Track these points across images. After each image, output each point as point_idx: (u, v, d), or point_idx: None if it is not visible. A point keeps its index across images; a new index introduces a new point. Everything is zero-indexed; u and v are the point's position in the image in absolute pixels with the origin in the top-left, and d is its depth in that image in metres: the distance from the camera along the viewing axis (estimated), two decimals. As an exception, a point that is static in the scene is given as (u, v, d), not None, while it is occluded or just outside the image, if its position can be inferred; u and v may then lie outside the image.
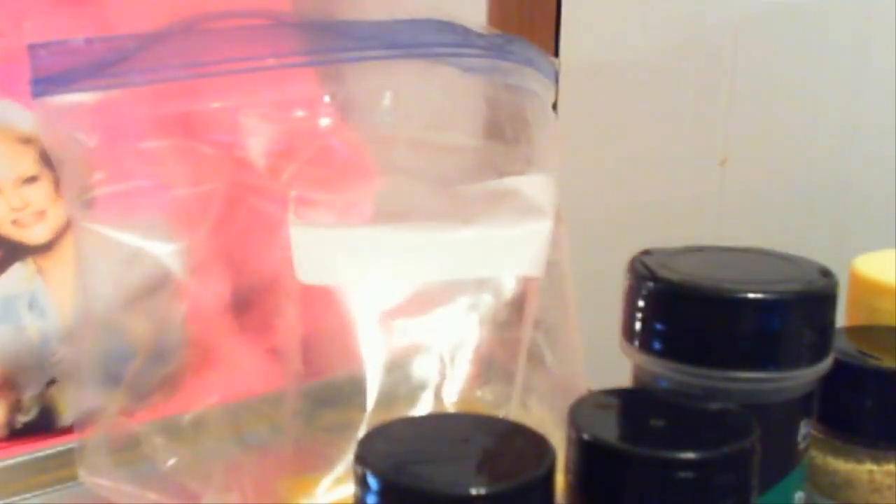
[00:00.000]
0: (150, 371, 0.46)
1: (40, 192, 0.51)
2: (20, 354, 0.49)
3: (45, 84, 0.42)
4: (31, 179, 0.51)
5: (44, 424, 0.50)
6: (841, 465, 0.38)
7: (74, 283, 0.45)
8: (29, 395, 0.50)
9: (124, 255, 0.43)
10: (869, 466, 0.38)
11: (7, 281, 0.49)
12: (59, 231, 0.51)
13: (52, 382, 0.50)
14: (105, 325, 0.44)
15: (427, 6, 0.48)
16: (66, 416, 0.50)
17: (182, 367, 0.48)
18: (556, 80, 0.51)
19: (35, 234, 0.50)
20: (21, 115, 0.50)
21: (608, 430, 0.31)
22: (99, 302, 0.44)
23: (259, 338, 0.49)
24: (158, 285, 0.45)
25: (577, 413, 0.31)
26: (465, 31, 0.48)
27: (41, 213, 0.51)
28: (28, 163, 0.51)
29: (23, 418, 0.50)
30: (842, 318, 0.45)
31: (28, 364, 0.49)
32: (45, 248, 0.50)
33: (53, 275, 0.50)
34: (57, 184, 0.51)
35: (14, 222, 0.50)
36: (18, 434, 0.49)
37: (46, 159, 0.50)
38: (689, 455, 0.30)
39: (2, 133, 0.51)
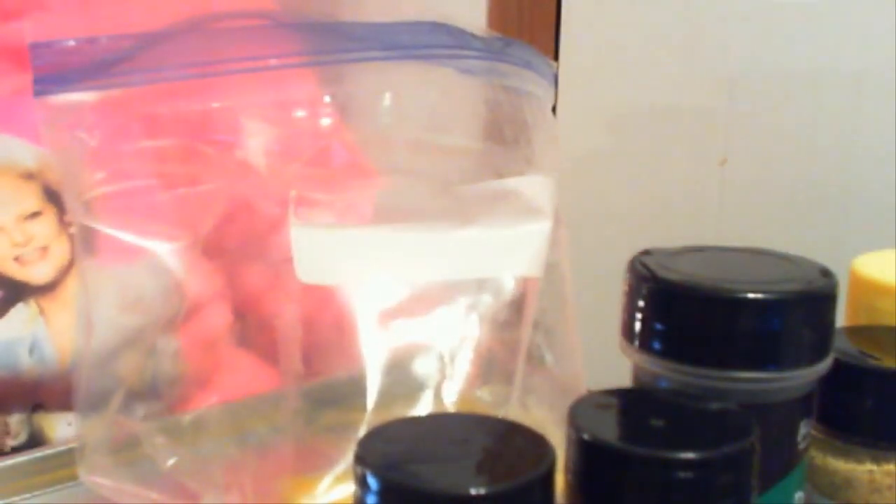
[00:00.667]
0: (151, 371, 0.46)
1: (43, 228, 0.50)
2: (12, 391, 0.48)
3: (46, 83, 0.42)
4: (35, 215, 0.50)
5: (32, 444, 0.49)
6: (841, 465, 0.38)
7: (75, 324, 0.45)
8: (16, 419, 0.49)
9: (122, 283, 0.43)
10: (869, 466, 0.38)
11: (8, 324, 0.49)
12: (62, 270, 0.50)
13: (38, 407, 0.50)
14: (106, 325, 0.44)
15: (426, 8, 0.48)
16: (55, 438, 0.50)
17: (183, 367, 0.48)
18: (555, 83, 0.51)
19: (38, 273, 0.50)
20: (24, 150, 0.50)
21: (608, 430, 0.31)
22: (99, 302, 0.44)
23: (258, 341, 0.49)
24: (159, 286, 0.45)
25: (577, 413, 0.31)
26: (463, 34, 0.48)
27: (44, 250, 0.50)
28: (31, 199, 0.50)
29: (12, 442, 0.50)
30: (842, 318, 0.45)
31: (16, 393, 0.49)
32: (48, 288, 0.50)
33: (55, 317, 0.49)
34: (60, 217, 0.50)
35: (16, 259, 0.50)
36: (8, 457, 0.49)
37: (50, 194, 0.50)
38: (689, 455, 0.30)
39: (4, 170, 0.50)
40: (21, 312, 0.49)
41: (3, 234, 0.50)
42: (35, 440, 0.49)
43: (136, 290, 0.44)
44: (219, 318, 0.49)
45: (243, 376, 0.48)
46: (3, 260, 0.49)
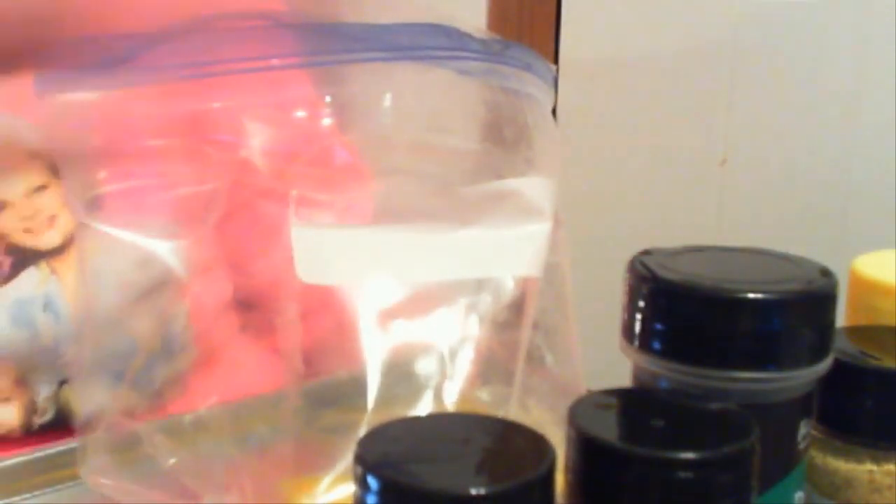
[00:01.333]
0: (155, 370, 0.46)
1: (50, 199, 0.51)
2: (33, 356, 0.49)
3: (49, 82, 0.42)
4: (41, 188, 0.51)
5: (60, 425, 0.50)
6: (841, 466, 0.38)
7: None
8: (43, 395, 0.50)
9: (127, 254, 0.43)
10: (869, 466, 0.38)
11: (21, 284, 0.49)
12: (71, 235, 0.51)
13: (64, 382, 0.50)
14: (107, 324, 0.44)
15: (426, 9, 0.48)
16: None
17: (186, 366, 0.48)
18: (555, 86, 0.51)
19: (47, 240, 0.50)
20: (29, 130, 0.50)
21: (608, 430, 0.31)
22: (101, 300, 0.44)
23: (262, 338, 0.49)
24: (162, 283, 0.45)
25: (577, 413, 0.31)
26: (461, 35, 0.48)
27: (52, 218, 0.51)
28: (37, 174, 0.51)
29: (39, 420, 0.50)
30: (842, 318, 0.45)
31: (41, 365, 0.49)
32: (58, 251, 0.50)
33: (67, 276, 0.50)
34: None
35: (26, 230, 0.50)
36: (35, 435, 0.50)
37: (54, 169, 0.50)
38: (689, 455, 0.30)
39: (11, 148, 0.51)
40: (32, 275, 0.49)
41: (13, 209, 0.50)
42: (62, 417, 0.49)
43: (139, 288, 0.44)
44: (223, 283, 0.50)
45: (247, 373, 0.48)
46: (13, 231, 0.50)
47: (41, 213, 0.50)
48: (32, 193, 0.51)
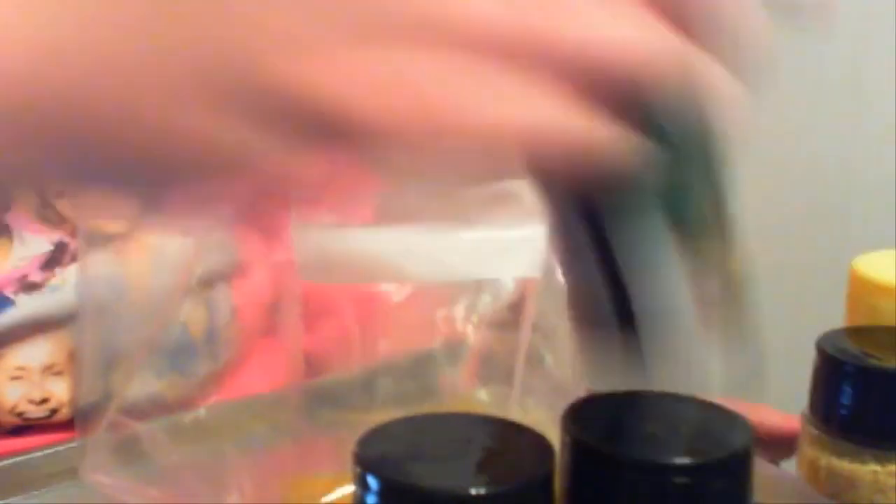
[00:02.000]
0: (200, 359, 0.47)
1: None
2: (95, 332, 0.50)
3: None
4: None
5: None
6: (845, 466, 0.38)
7: (150, 268, 0.46)
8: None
9: (173, 255, 0.44)
10: (873, 467, 0.38)
11: (88, 264, 0.50)
12: (133, 223, 0.52)
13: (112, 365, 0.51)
14: (161, 309, 0.45)
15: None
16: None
17: (228, 359, 0.49)
18: None
19: (113, 225, 0.51)
20: None
21: (602, 434, 0.31)
22: (155, 288, 0.45)
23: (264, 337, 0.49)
24: (211, 278, 0.45)
25: (571, 417, 0.31)
26: None
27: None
28: None
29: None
30: (842, 318, 0.45)
31: (100, 344, 0.50)
32: (123, 236, 0.51)
33: (131, 261, 0.51)
34: None
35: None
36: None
37: None
38: (684, 460, 0.30)
39: None
40: (99, 256, 0.51)
41: None
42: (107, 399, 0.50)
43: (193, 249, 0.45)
44: (266, 281, 0.51)
45: (271, 366, 0.49)
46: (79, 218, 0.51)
47: None
48: None
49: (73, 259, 0.51)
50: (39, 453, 0.47)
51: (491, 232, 0.46)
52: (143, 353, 0.46)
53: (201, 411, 0.44)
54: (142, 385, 0.45)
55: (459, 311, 0.45)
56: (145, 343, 0.46)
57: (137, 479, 0.42)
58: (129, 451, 0.43)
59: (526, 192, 0.47)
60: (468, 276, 0.45)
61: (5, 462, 0.46)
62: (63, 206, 0.52)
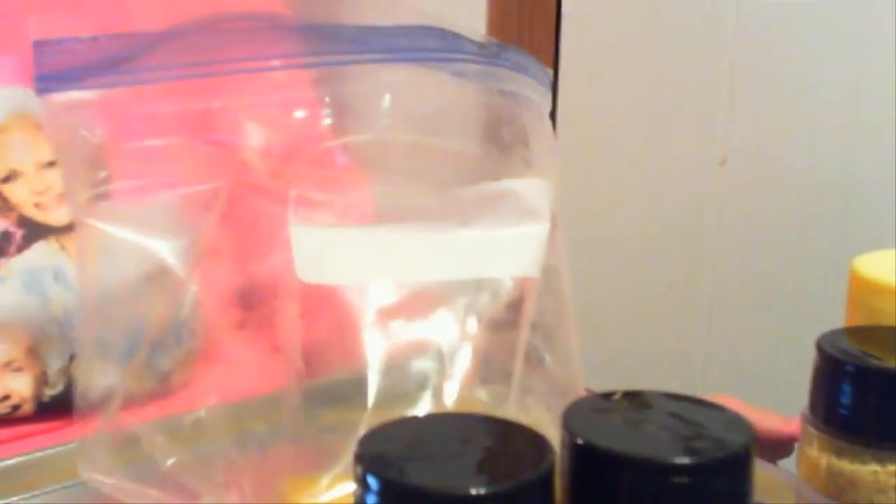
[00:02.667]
0: (162, 353, 0.47)
1: (59, 177, 0.51)
2: (45, 327, 0.50)
3: (49, 81, 0.42)
4: (51, 164, 0.52)
5: (70, 398, 0.50)
6: (845, 466, 0.38)
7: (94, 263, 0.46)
8: (54, 368, 0.51)
9: (128, 252, 0.44)
10: (873, 467, 0.38)
11: (32, 255, 0.50)
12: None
13: (74, 357, 0.51)
14: (106, 318, 0.44)
15: (423, 12, 0.48)
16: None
17: (192, 352, 0.49)
18: (552, 89, 0.51)
19: (56, 216, 0.51)
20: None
21: (602, 434, 0.31)
22: (100, 296, 0.44)
23: (261, 336, 0.49)
24: (162, 281, 0.45)
25: (571, 417, 0.31)
26: (457, 38, 0.48)
27: (61, 196, 0.51)
28: (47, 148, 0.51)
29: (50, 391, 0.51)
30: (842, 318, 0.45)
31: (52, 336, 0.50)
32: (67, 228, 0.51)
33: (76, 253, 0.51)
34: None
35: (36, 205, 0.51)
36: (47, 408, 0.50)
37: None
38: (684, 460, 0.30)
39: (21, 120, 0.52)
40: (43, 247, 0.50)
41: (24, 180, 0.51)
42: (71, 390, 0.50)
43: (140, 284, 0.45)
44: (229, 273, 0.50)
45: (246, 371, 0.48)
46: (24, 204, 0.51)
47: (51, 190, 0.51)
48: (43, 168, 0.51)
49: (19, 250, 0.51)
50: (39, 453, 0.47)
51: (490, 231, 0.46)
52: (96, 350, 0.45)
53: (201, 411, 0.44)
54: (96, 381, 0.44)
55: (458, 310, 0.45)
56: (98, 340, 0.45)
57: (137, 479, 0.42)
58: (129, 451, 0.43)
59: (524, 191, 0.47)
60: (467, 276, 0.45)
61: (5, 462, 0.46)
62: (8, 191, 0.52)
